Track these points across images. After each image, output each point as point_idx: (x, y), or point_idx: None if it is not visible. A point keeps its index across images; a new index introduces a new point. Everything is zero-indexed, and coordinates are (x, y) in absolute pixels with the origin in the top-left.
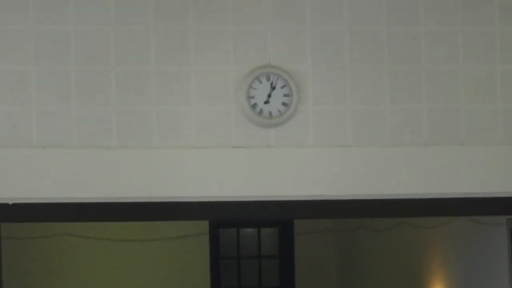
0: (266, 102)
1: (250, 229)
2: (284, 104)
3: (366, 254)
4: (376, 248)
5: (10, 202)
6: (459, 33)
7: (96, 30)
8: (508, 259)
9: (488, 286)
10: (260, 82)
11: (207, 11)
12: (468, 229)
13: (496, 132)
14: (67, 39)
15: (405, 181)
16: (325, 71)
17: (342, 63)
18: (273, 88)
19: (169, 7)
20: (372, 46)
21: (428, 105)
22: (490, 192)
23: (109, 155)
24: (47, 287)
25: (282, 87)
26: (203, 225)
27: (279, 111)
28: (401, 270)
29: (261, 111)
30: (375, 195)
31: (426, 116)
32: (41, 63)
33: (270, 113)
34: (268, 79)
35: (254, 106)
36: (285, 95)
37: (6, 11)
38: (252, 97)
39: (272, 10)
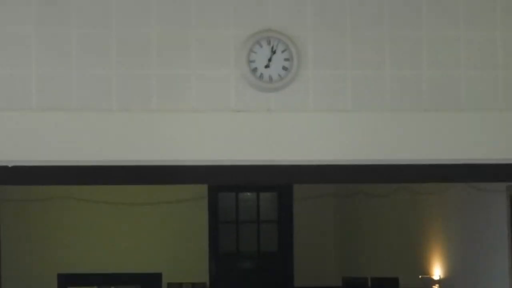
0: (267, 66)
1: (249, 194)
2: (284, 68)
3: (365, 219)
4: (375, 214)
5: (10, 165)
6: None
7: None
8: (507, 225)
9: (487, 251)
10: (261, 46)
11: None
12: (467, 195)
13: (496, 99)
14: (67, 0)
15: (404, 147)
16: (326, 36)
17: (343, 28)
18: (273, 52)
19: None
20: (373, 11)
21: (428, 71)
22: (490, 158)
23: (108, 118)
24: (46, 249)
25: (283, 51)
26: (202, 189)
27: (280, 75)
28: (400, 235)
29: (261, 75)
30: (374, 160)
31: (426, 82)
32: (42, 25)
33: (270, 77)
34: (268, 43)
35: (254, 70)
36: (286, 59)
37: None
38: (253, 61)
39: None
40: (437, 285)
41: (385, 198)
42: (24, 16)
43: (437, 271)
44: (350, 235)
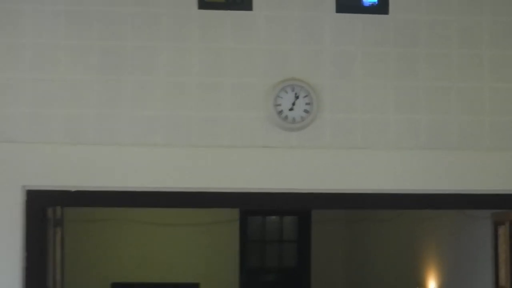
0: (291, 109)
1: (273, 217)
2: (305, 111)
3: (371, 240)
4: (380, 235)
5: (73, 190)
6: (454, 55)
7: (148, 46)
8: (492, 246)
9: (474, 268)
10: (286, 92)
11: (242, 31)
12: (458, 220)
13: (483, 140)
14: (124, 53)
15: (405, 179)
16: (340, 84)
17: (354, 78)
18: (296, 97)
19: (210, 27)
20: (380, 65)
21: (426, 115)
22: (477, 189)
23: (155, 151)
24: (102, 262)
25: (304, 97)
26: (234, 213)
27: (301, 117)
28: (401, 255)
29: (286, 117)
30: (379, 190)
31: (424, 125)
32: (102, 72)
33: (293, 119)
34: (292, 90)
35: (280, 112)
36: (307, 104)
37: (73, 29)
38: (279, 105)
39: (295, 32)
40: None
41: (388, 223)
42: (87, 64)
43: (432, 285)
44: (358, 253)
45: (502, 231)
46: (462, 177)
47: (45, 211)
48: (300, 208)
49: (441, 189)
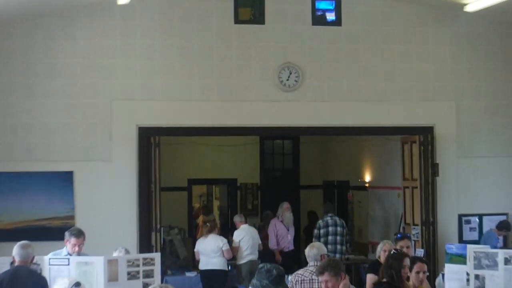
0: (287, 79)
1: (278, 141)
2: (296, 80)
3: (334, 153)
4: (340, 150)
5: (165, 126)
6: (380, 48)
7: (205, 44)
8: (400, 157)
9: (391, 170)
10: (284, 70)
11: (260, 36)
12: (383, 142)
13: (402, 94)
14: (192, 48)
15: (355, 117)
16: (316, 65)
17: (323, 62)
18: (290, 73)
19: (242, 34)
20: (337, 54)
21: (366, 82)
22: (392, 123)
23: (212, 104)
24: (183, 168)
25: (295, 72)
26: (256, 138)
27: (294, 84)
28: (351, 161)
29: (285, 84)
30: (339, 124)
31: (362, 87)
32: (180, 62)
33: (289, 85)
34: (288, 68)
35: (281, 81)
36: (296, 76)
37: (161, 37)
38: (281, 77)
39: (289, 35)
40: (367, 184)
41: (345, 142)
42: (171, 55)
43: (367, 177)
44: (326, 159)
45: (406, 147)
46: (382, 117)
47: (150, 138)
48: (293, 135)
49: (372, 124)
